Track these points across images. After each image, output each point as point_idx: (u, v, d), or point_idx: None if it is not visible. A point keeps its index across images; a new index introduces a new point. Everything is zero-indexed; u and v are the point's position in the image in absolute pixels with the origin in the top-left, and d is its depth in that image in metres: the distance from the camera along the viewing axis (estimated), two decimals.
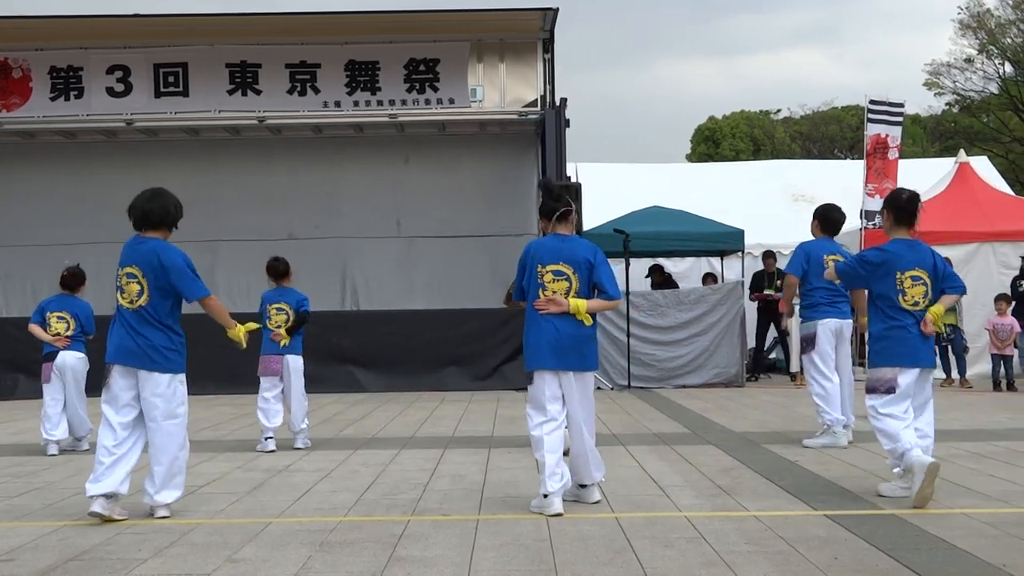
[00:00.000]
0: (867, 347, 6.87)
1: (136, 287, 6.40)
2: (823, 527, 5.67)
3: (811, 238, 9.71)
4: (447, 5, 17.35)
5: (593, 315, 6.41)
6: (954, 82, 45.06)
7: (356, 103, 17.15)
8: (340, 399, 14.66)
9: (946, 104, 48.00)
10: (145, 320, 6.33)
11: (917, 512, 6.01)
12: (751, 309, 17.16)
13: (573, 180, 17.07)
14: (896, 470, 6.47)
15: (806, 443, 9.02)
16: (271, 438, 9.29)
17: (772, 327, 17.90)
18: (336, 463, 8.34)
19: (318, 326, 15.55)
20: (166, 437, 6.26)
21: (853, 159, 36.18)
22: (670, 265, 19.83)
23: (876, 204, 16.48)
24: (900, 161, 17.73)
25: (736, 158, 45.66)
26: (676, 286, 18.10)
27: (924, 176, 19.61)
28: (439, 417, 12.06)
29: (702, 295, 16.26)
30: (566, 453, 6.42)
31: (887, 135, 17.04)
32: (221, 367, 15.44)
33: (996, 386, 14.90)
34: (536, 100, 17.25)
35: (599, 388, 13.16)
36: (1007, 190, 21.53)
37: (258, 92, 17.13)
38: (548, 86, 17.15)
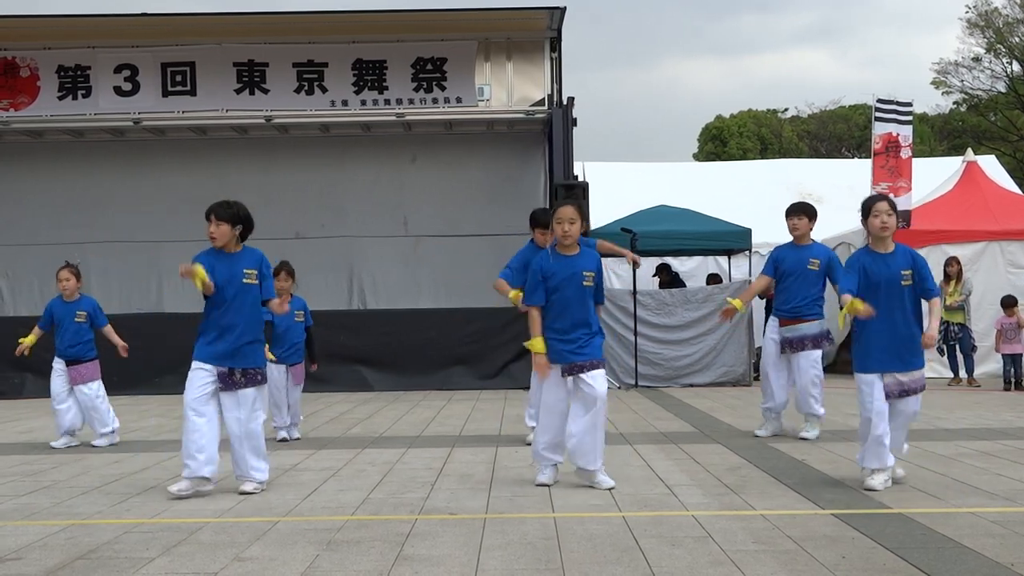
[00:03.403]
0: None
1: None
2: (830, 526, 5.66)
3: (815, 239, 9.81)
4: (454, 4, 17.35)
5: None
6: (962, 81, 45.05)
7: (363, 102, 17.18)
8: (347, 398, 14.68)
9: (954, 103, 47.97)
10: None
11: (925, 511, 6.00)
12: (759, 308, 17.13)
13: (580, 179, 17.08)
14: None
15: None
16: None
17: None
18: (343, 462, 8.34)
19: (325, 325, 15.60)
20: None
21: (861, 158, 36.17)
22: (677, 264, 19.82)
23: None
24: None
25: (743, 157, 45.63)
26: (683, 285, 18.09)
27: (932, 175, 19.59)
28: (446, 416, 12.07)
29: (709, 294, 16.26)
30: None
31: (898, 134, 17.00)
32: None
33: (1007, 385, 14.85)
34: (543, 99, 17.25)
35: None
36: (1015, 189, 21.48)
37: (265, 91, 17.15)
38: (555, 85, 17.15)
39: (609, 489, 6.83)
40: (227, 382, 6.88)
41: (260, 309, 7.07)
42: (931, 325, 6.83)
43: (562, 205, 7.15)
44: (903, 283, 6.77)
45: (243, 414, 6.92)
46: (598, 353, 7.00)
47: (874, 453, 6.76)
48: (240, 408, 6.91)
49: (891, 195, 7.14)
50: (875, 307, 6.67)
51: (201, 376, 6.88)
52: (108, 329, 9.81)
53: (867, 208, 6.88)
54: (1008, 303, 15.13)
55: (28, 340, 9.67)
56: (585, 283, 7.00)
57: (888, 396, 6.78)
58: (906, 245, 6.99)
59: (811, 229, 9.55)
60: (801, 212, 9.47)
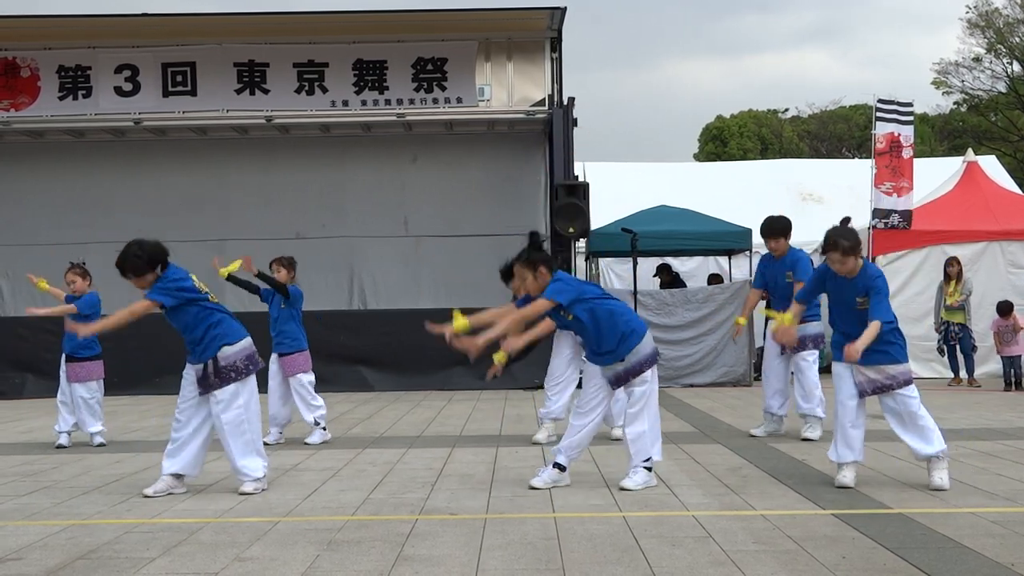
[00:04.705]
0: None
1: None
2: (831, 526, 5.66)
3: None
4: (455, 4, 17.36)
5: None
6: (962, 81, 45.01)
7: (364, 102, 17.17)
8: (348, 398, 14.68)
9: (954, 103, 47.93)
10: None
11: (925, 511, 6.00)
12: (759, 308, 17.10)
13: (580, 179, 17.09)
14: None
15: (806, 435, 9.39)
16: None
17: None
18: (344, 462, 8.35)
19: (326, 325, 15.62)
20: None
21: (861, 158, 36.11)
22: (677, 264, 19.80)
23: (892, 203, 16.35)
24: None
25: (744, 157, 45.59)
26: (684, 285, 18.08)
27: (932, 175, 19.56)
28: (447, 416, 12.07)
29: (710, 294, 16.25)
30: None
31: (900, 134, 16.99)
32: None
33: (1007, 386, 14.83)
34: (544, 99, 17.24)
35: None
36: (1015, 189, 21.46)
37: (266, 91, 17.15)
38: (556, 85, 17.14)
39: (627, 489, 6.81)
40: (204, 385, 6.98)
41: (192, 310, 7.14)
42: (861, 338, 6.49)
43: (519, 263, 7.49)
44: (858, 307, 6.70)
45: (222, 410, 6.97)
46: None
47: (839, 444, 6.83)
48: (219, 405, 6.97)
49: (851, 236, 6.89)
50: (832, 305, 6.94)
51: (185, 382, 7.12)
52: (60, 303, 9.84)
53: (824, 245, 6.82)
54: (1004, 309, 15.06)
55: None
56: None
57: (862, 394, 6.74)
58: (874, 269, 6.82)
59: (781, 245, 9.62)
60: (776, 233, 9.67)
